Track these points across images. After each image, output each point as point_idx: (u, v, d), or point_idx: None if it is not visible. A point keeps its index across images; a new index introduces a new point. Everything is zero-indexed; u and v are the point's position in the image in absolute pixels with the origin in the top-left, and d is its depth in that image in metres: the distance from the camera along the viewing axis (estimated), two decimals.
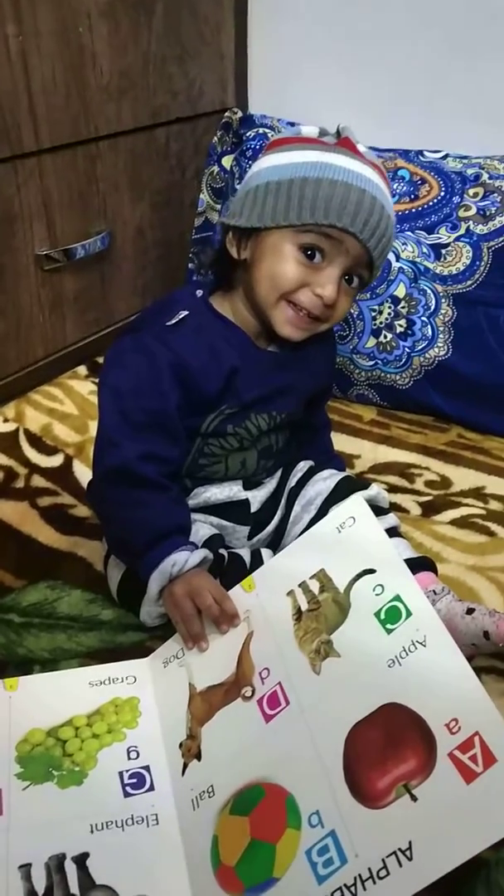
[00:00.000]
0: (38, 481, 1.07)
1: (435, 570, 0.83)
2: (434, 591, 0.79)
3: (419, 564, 0.81)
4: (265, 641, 0.68)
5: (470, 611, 0.75)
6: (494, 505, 1.04)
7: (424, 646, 0.58)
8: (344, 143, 0.76)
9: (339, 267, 0.74)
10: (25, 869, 0.58)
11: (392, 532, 0.83)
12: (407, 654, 0.58)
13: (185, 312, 0.77)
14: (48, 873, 0.58)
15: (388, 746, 0.55)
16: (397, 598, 0.62)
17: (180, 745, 0.67)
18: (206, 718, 0.67)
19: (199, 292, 0.81)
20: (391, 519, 0.85)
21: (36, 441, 1.16)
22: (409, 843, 0.49)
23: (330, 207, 0.71)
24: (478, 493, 1.07)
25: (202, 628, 0.72)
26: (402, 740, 0.54)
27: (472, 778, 0.50)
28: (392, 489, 1.07)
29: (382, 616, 0.62)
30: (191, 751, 0.66)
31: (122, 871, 0.58)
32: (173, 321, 0.76)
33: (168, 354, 0.75)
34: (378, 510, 0.83)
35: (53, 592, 0.88)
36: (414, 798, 0.51)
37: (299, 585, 0.69)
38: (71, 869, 0.58)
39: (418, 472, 1.12)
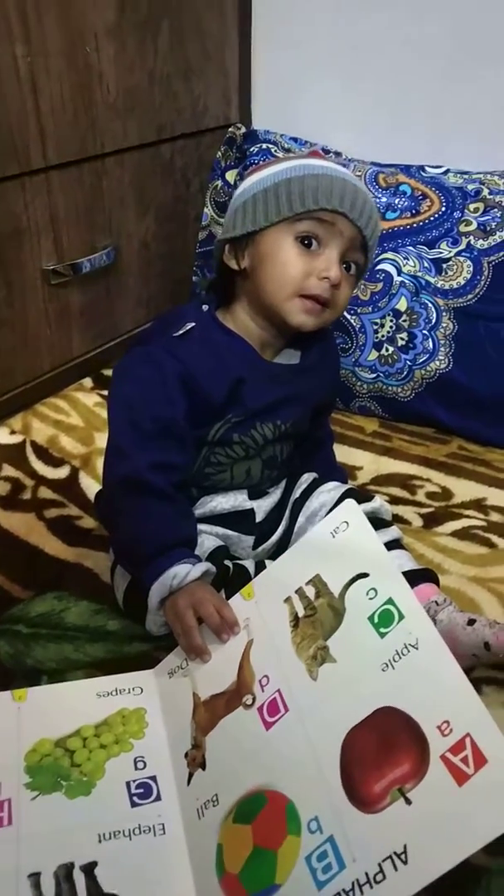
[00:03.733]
0: (45, 493, 1.09)
1: (437, 582, 0.84)
2: (436, 601, 0.80)
3: (421, 576, 0.82)
4: (264, 649, 0.69)
5: (471, 622, 0.76)
6: (495, 516, 1.06)
7: (416, 648, 0.58)
8: (314, 153, 0.82)
9: (337, 249, 0.77)
10: (34, 878, 0.59)
11: (394, 544, 0.85)
12: (400, 658, 0.59)
13: (192, 324, 0.79)
14: (57, 882, 0.59)
15: (382, 750, 0.55)
16: (390, 601, 0.62)
17: (186, 754, 0.68)
18: (210, 728, 0.68)
19: (205, 307, 0.83)
20: (394, 531, 0.86)
21: (42, 453, 1.18)
22: (405, 846, 0.50)
23: (318, 194, 0.75)
24: (479, 505, 1.08)
25: (203, 640, 0.72)
26: (396, 744, 0.55)
27: (463, 780, 0.50)
28: (394, 501, 1.08)
29: (376, 620, 0.62)
30: (195, 760, 0.67)
31: (129, 881, 0.59)
32: (180, 332, 0.79)
33: (175, 364, 0.77)
34: (381, 522, 0.85)
35: (60, 603, 0.89)
36: (408, 801, 0.52)
37: (296, 592, 0.70)
38: (79, 878, 0.59)
39: (420, 484, 1.13)
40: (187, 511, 0.80)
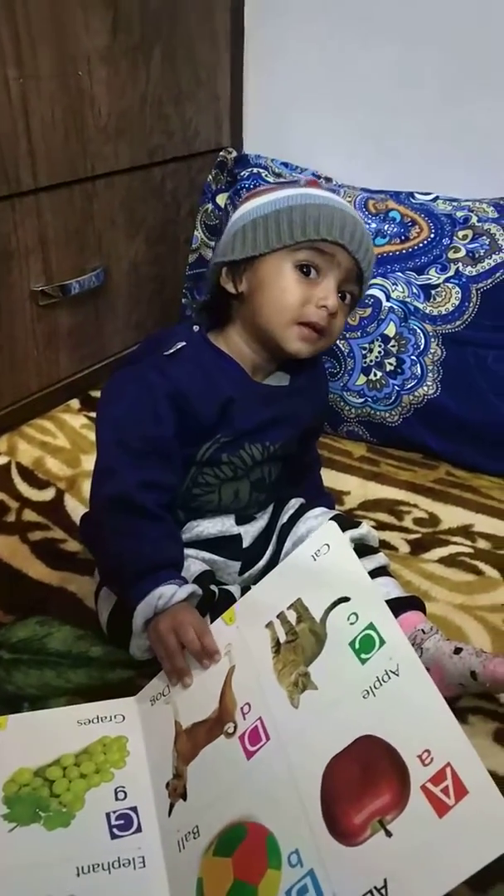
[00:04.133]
0: (30, 515, 1.08)
1: (423, 609, 0.84)
2: (422, 630, 0.79)
3: (407, 603, 0.82)
4: (246, 675, 0.68)
5: (458, 650, 0.75)
6: (482, 543, 1.05)
7: (397, 675, 0.58)
8: (312, 183, 0.83)
9: (334, 279, 0.78)
10: None
11: (381, 571, 0.84)
12: (381, 685, 0.58)
13: (183, 343, 0.79)
14: None
15: (363, 781, 0.54)
16: (371, 626, 0.61)
17: (167, 784, 0.67)
18: (192, 757, 0.67)
19: (196, 328, 0.83)
20: (380, 558, 0.85)
21: (28, 475, 1.17)
22: (384, 881, 0.49)
23: (319, 224, 0.76)
24: (466, 532, 1.08)
25: (185, 663, 0.72)
26: (376, 774, 0.54)
27: (444, 811, 0.49)
28: (381, 526, 1.08)
29: (357, 646, 0.61)
30: (177, 790, 0.66)
31: None
32: (171, 351, 0.79)
33: (165, 383, 0.76)
34: (367, 549, 0.84)
35: (43, 628, 0.88)
36: (388, 833, 0.51)
37: (277, 616, 0.69)
38: None
39: (407, 510, 1.13)
40: (174, 532, 0.79)
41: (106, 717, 0.74)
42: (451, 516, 1.11)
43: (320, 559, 0.69)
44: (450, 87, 1.35)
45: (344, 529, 0.80)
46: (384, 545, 1.00)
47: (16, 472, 1.17)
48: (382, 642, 0.60)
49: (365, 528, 0.86)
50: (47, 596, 0.93)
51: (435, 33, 1.32)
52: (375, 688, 0.58)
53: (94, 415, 1.32)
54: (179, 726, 0.70)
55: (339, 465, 1.23)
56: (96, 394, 1.40)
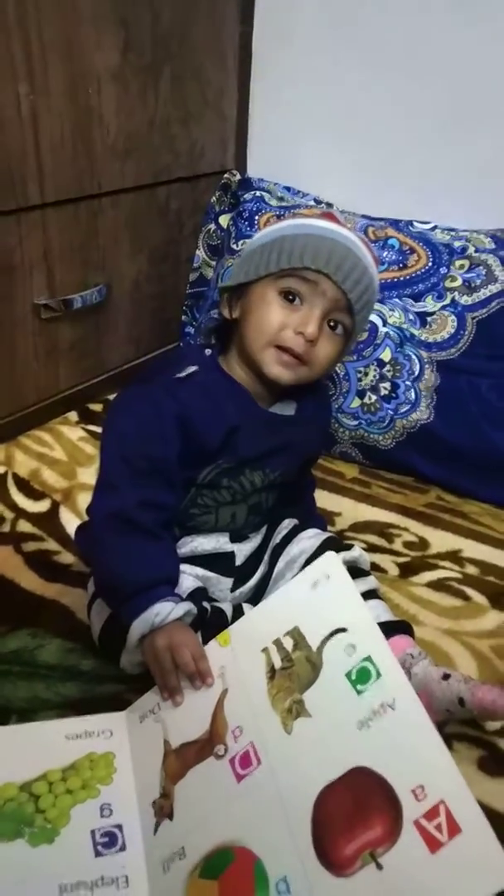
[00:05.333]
0: (24, 526, 1.08)
1: (412, 634, 0.85)
2: (411, 654, 0.80)
3: (397, 628, 0.83)
4: (239, 699, 0.68)
5: (446, 676, 0.76)
6: (470, 569, 1.07)
7: (393, 708, 0.58)
8: (327, 215, 0.82)
9: (318, 308, 0.77)
10: None
11: (371, 594, 0.85)
12: (376, 717, 0.58)
13: (194, 368, 0.80)
14: None
15: (355, 812, 0.54)
16: (368, 658, 0.61)
17: (153, 803, 0.67)
18: (180, 776, 0.66)
19: (208, 351, 0.84)
20: (371, 581, 0.87)
21: (24, 485, 1.17)
22: None
23: (305, 253, 0.77)
24: (455, 557, 1.09)
25: (178, 682, 0.72)
26: (368, 806, 0.54)
27: (436, 847, 0.49)
28: (371, 548, 1.09)
29: (353, 677, 0.61)
30: (163, 810, 0.65)
31: None
32: (182, 374, 0.80)
33: (174, 405, 0.77)
34: (359, 572, 0.85)
35: (34, 640, 0.88)
36: (379, 867, 0.51)
37: (273, 642, 0.69)
38: None
39: (397, 533, 1.14)
40: (172, 550, 0.80)
41: (94, 733, 0.74)
42: (441, 541, 1.13)
43: (319, 589, 0.69)
44: (451, 121, 1.37)
45: (336, 551, 0.81)
46: (374, 567, 1.01)
47: (12, 482, 1.18)
48: (379, 675, 0.60)
49: (357, 551, 0.87)
50: (39, 608, 0.93)
51: (438, 69, 1.35)
52: (370, 720, 0.58)
53: (91, 428, 1.34)
54: (168, 745, 0.70)
55: (332, 486, 1.24)
56: (94, 407, 1.41)
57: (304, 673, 0.65)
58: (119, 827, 0.66)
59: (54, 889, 0.60)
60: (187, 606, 0.75)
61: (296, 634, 0.68)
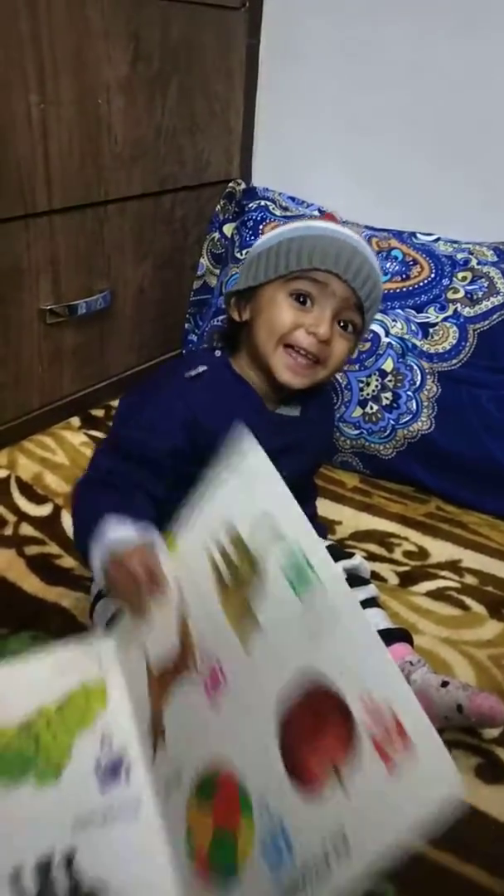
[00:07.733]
0: (27, 529, 1.09)
1: (411, 642, 0.85)
2: (410, 661, 0.81)
3: (396, 635, 0.84)
4: (199, 613, 0.65)
5: (444, 684, 0.77)
6: (469, 579, 1.08)
7: (335, 617, 0.55)
8: (327, 216, 0.83)
9: (329, 308, 0.78)
10: (13, 874, 0.57)
11: (371, 602, 0.86)
12: (320, 626, 0.55)
13: (204, 367, 0.81)
14: (36, 877, 0.57)
15: (315, 726, 0.53)
16: (300, 550, 0.57)
17: (148, 728, 0.65)
18: (163, 699, 0.65)
19: (219, 353, 0.85)
20: (371, 590, 0.87)
21: (27, 489, 1.18)
22: (344, 834, 0.49)
23: (313, 255, 0.78)
24: (454, 566, 1.10)
25: (141, 600, 0.67)
26: (325, 719, 0.53)
27: (390, 762, 0.48)
28: (371, 557, 1.09)
29: (291, 578, 0.57)
30: (157, 735, 0.64)
31: (107, 868, 0.58)
32: (193, 373, 0.80)
33: (183, 409, 0.78)
34: (359, 580, 0.86)
35: (35, 643, 0.88)
36: (341, 782, 0.50)
37: (213, 541, 0.64)
38: (59, 870, 0.58)
39: (397, 542, 1.15)
40: (152, 513, 0.76)
41: (84, 661, 0.71)
42: (440, 550, 1.13)
43: (241, 474, 0.65)
44: (455, 135, 1.39)
45: (337, 560, 0.82)
46: (374, 576, 1.02)
47: (15, 486, 1.19)
48: (312, 568, 0.56)
49: (357, 560, 0.88)
50: (41, 611, 0.94)
51: (442, 82, 1.37)
52: (317, 632, 0.55)
53: (93, 433, 1.35)
54: (150, 669, 0.68)
55: (333, 495, 1.25)
56: (97, 412, 1.42)
57: (245, 572, 0.61)
58: (120, 759, 0.65)
59: (67, 826, 0.60)
60: (145, 528, 0.70)
61: (230, 528, 0.64)
